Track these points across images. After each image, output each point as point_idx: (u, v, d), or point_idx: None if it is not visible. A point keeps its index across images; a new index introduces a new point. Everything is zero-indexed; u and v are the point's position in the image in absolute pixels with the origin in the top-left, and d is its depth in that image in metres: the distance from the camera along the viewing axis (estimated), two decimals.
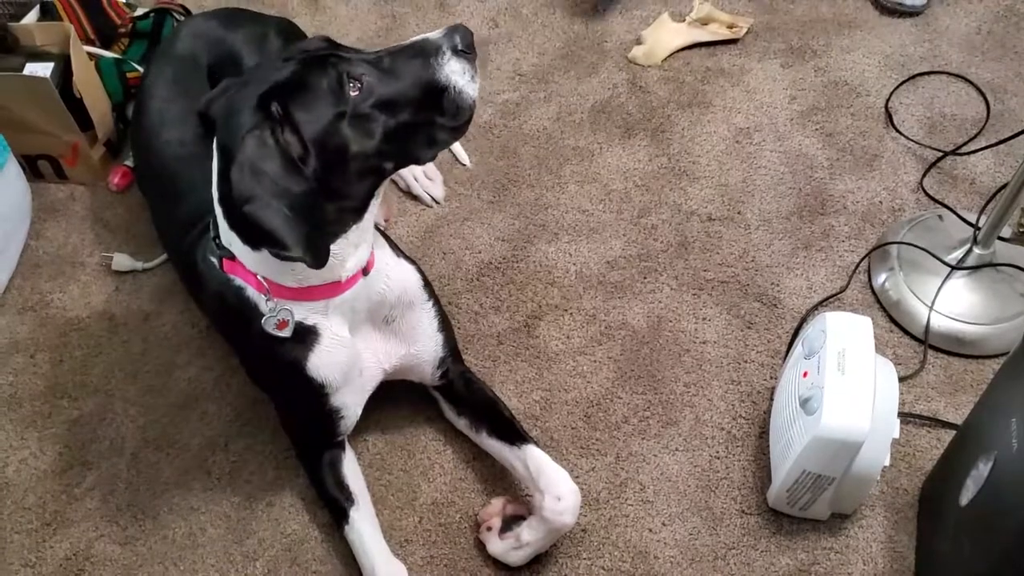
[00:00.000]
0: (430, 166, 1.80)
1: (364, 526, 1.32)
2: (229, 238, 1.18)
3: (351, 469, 1.39)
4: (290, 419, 1.42)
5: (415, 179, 1.78)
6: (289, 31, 1.67)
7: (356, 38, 2.08)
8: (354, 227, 1.17)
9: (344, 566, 1.35)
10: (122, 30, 1.93)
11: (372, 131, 1.11)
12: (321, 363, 1.25)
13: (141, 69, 1.85)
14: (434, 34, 1.16)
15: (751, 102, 1.89)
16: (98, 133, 1.81)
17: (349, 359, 1.27)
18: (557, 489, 1.27)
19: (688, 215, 1.72)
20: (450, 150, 1.84)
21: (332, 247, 1.14)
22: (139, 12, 1.96)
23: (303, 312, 1.21)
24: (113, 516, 1.42)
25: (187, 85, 1.54)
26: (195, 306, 1.62)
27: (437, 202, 1.78)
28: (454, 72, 1.14)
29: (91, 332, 1.63)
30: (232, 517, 1.41)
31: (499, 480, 1.42)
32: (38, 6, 1.92)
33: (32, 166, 1.81)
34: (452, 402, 1.45)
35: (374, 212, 1.19)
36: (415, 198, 1.78)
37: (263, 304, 1.20)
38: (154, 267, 1.71)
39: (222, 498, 1.43)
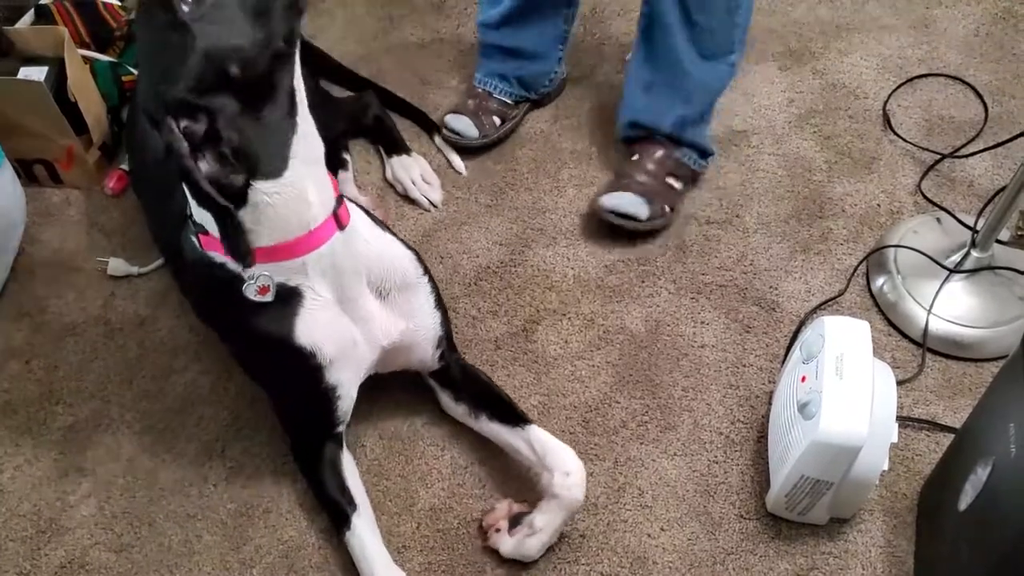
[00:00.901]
0: (427, 170, 1.79)
1: (365, 532, 1.31)
2: (200, 213, 1.17)
3: (351, 473, 1.38)
4: (285, 405, 1.40)
5: (412, 183, 1.78)
6: None
7: (354, 40, 2.07)
8: (294, 138, 1.11)
9: (342, 573, 1.34)
10: (118, 33, 1.92)
11: (232, 23, 1.03)
12: (308, 327, 1.23)
13: (136, 72, 1.84)
14: None
15: (749, 105, 1.89)
16: (93, 137, 1.80)
17: (339, 327, 1.25)
18: (565, 465, 1.28)
19: (686, 218, 1.72)
20: (446, 157, 1.83)
21: (286, 176, 1.11)
22: (135, 15, 1.96)
23: (284, 274, 1.19)
24: (108, 523, 1.41)
25: None
26: (191, 310, 1.62)
27: (435, 206, 1.77)
28: None
29: (87, 337, 1.63)
30: (229, 524, 1.40)
31: (498, 485, 1.41)
32: (33, 10, 1.92)
33: (27, 170, 1.80)
34: (450, 388, 1.44)
35: (309, 122, 1.13)
36: (413, 202, 1.77)
37: (243, 275, 1.18)
38: (149, 271, 1.70)
39: (218, 504, 1.42)
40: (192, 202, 1.16)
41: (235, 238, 1.11)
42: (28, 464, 1.48)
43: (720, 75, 1.65)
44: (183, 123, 1.03)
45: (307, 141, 1.13)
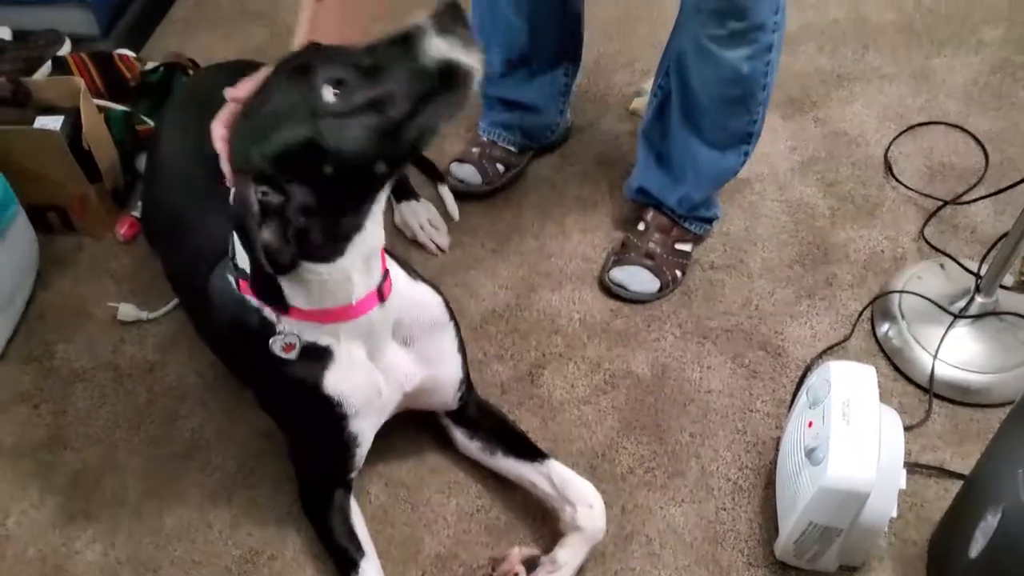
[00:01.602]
0: (435, 216, 1.81)
1: None
2: (243, 258, 1.17)
3: (357, 520, 1.37)
4: (302, 450, 1.40)
5: (420, 227, 1.79)
6: None
7: None
8: (358, 236, 1.12)
9: None
10: (133, 84, 1.96)
11: (358, 133, 1.03)
12: (336, 380, 1.23)
13: (151, 122, 1.88)
14: (419, 17, 1.06)
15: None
16: (106, 185, 1.83)
17: (367, 380, 1.26)
18: (587, 498, 1.31)
19: (691, 263, 1.73)
20: (441, 199, 1.85)
21: (338, 263, 1.12)
22: (149, 66, 2.00)
23: (316, 334, 1.20)
24: (114, 569, 1.40)
25: (199, 135, 1.55)
26: (200, 356, 1.63)
27: (442, 251, 1.79)
28: (441, 49, 1.04)
29: (95, 382, 1.64)
30: (234, 570, 1.39)
31: (504, 532, 1.41)
32: (50, 61, 1.96)
33: (40, 217, 1.82)
34: (465, 426, 1.45)
35: (378, 222, 1.14)
36: (420, 247, 1.79)
37: (277, 323, 1.19)
38: (159, 317, 1.71)
39: (224, 551, 1.41)
40: (238, 247, 1.17)
41: (270, 293, 1.13)
42: (34, 509, 1.48)
43: (731, 164, 1.64)
44: (262, 189, 1.04)
45: (370, 239, 1.14)
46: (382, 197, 1.12)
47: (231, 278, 1.23)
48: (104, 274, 1.80)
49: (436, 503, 1.45)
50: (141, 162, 1.91)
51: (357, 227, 1.12)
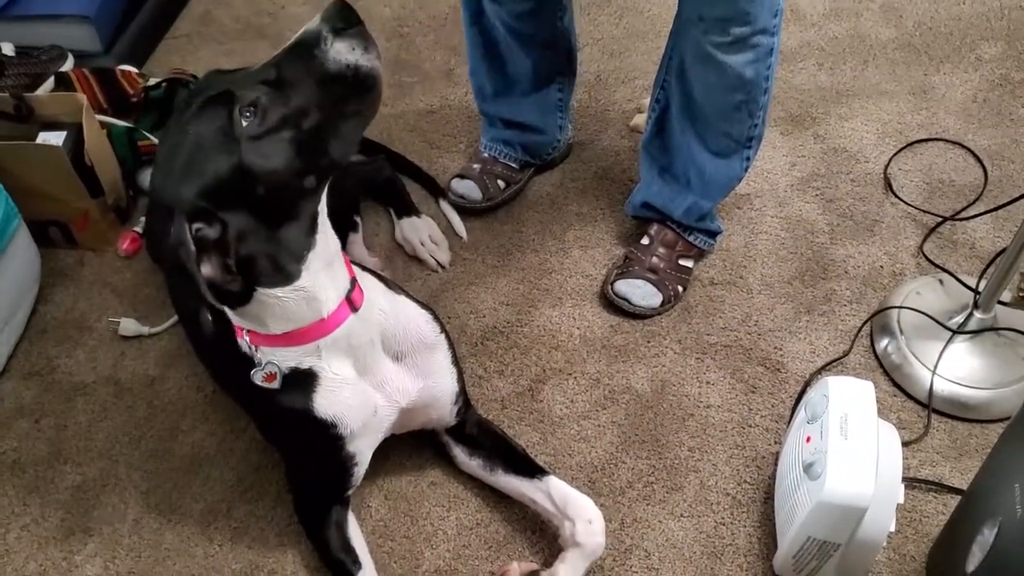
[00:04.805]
0: (436, 232, 1.82)
1: None
2: None
3: (355, 533, 1.38)
4: (300, 471, 1.40)
5: (421, 244, 1.80)
6: None
7: None
8: (311, 254, 1.11)
9: None
10: (135, 100, 1.98)
11: (278, 148, 1.03)
12: (328, 402, 1.23)
13: (153, 138, 1.89)
14: (311, 23, 1.06)
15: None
16: (108, 200, 1.84)
17: (358, 397, 1.25)
18: (586, 513, 1.31)
19: (691, 279, 1.74)
20: (448, 221, 1.86)
21: (297, 283, 1.11)
22: (152, 82, 2.01)
23: (297, 357, 1.19)
24: None
25: None
26: (200, 370, 1.63)
27: (442, 267, 1.79)
28: (341, 53, 1.04)
29: (96, 397, 1.64)
30: None
31: (504, 545, 1.41)
32: (53, 77, 1.97)
33: (42, 232, 1.83)
34: (464, 443, 1.45)
35: (328, 232, 1.14)
36: (421, 263, 1.80)
37: (254, 355, 1.18)
38: (160, 332, 1.72)
39: (223, 565, 1.42)
40: None
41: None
42: (35, 524, 1.48)
43: (734, 171, 1.65)
44: (197, 226, 1.03)
45: (324, 252, 1.14)
46: (321, 209, 1.11)
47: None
48: (105, 289, 1.81)
49: (436, 517, 1.45)
50: (143, 177, 1.92)
51: (307, 245, 1.11)
